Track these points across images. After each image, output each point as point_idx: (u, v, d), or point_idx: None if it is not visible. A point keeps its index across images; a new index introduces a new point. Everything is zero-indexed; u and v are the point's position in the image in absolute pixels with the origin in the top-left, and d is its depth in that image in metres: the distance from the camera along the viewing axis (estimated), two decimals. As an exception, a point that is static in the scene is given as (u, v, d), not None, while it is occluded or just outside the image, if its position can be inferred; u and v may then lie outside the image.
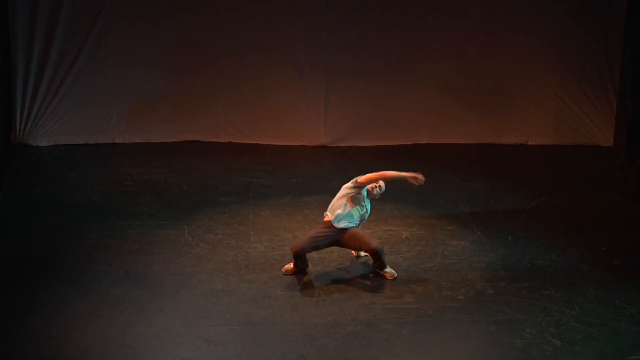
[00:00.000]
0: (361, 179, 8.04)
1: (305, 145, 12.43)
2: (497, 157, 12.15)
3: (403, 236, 9.23)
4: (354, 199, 8.10)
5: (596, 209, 10.17)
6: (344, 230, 8.09)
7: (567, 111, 12.50)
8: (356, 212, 8.11)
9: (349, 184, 8.13)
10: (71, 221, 9.44)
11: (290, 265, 8.20)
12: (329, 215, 8.15)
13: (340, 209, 8.08)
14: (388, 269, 8.19)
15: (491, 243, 9.06)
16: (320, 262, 8.48)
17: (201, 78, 12.24)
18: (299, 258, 8.05)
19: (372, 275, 8.28)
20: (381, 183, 8.18)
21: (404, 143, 12.53)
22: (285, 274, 8.17)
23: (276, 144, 12.41)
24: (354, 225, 8.13)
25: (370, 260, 8.34)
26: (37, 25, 11.65)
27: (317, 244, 8.11)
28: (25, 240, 8.93)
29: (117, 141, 12.29)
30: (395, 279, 8.12)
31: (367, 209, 8.22)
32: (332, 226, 8.09)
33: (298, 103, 12.37)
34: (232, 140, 12.47)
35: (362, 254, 8.49)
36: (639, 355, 6.94)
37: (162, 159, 11.63)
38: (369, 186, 8.13)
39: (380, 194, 8.27)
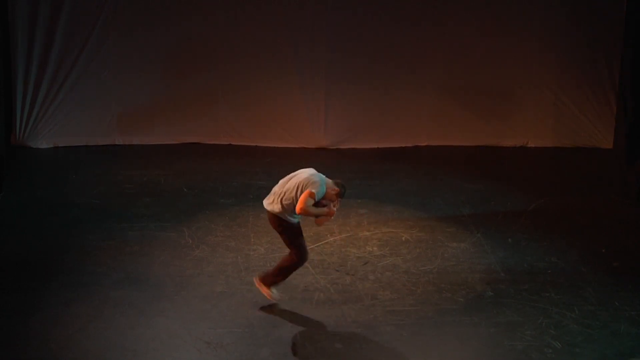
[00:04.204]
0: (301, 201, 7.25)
1: (306, 147, 12.45)
2: (497, 159, 12.16)
3: (403, 238, 9.24)
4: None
5: (596, 210, 10.17)
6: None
7: (566, 113, 12.51)
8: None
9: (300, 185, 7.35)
10: (71, 223, 9.44)
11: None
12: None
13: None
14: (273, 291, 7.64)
15: (491, 245, 9.07)
16: (320, 264, 8.48)
17: (201, 80, 12.25)
18: None
19: (372, 277, 8.28)
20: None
21: (404, 145, 12.55)
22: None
23: (276, 146, 12.41)
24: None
25: (371, 261, 8.33)
26: (37, 28, 11.65)
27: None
28: (25, 242, 8.92)
29: (117, 143, 12.30)
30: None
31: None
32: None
33: (298, 105, 12.37)
34: (232, 143, 12.47)
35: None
36: (639, 358, 6.94)
37: (162, 161, 11.64)
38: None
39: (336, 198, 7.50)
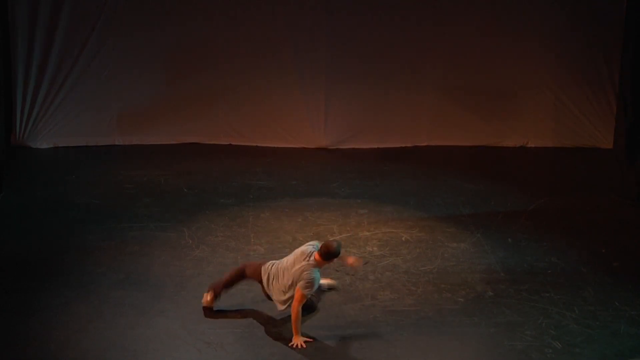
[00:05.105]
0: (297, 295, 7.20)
1: (306, 147, 12.44)
2: (497, 159, 12.16)
3: (403, 238, 9.24)
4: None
5: (596, 210, 10.17)
6: None
7: (566, 113, 12.51)
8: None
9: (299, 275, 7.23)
10: (71, 223, 9.44)
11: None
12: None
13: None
14: None
15: (491, 245, 9.06)
16: (320, 264, 8.47)
17: (201, 80, 12.23)
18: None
19: (372, 277, 8.28)
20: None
21: (404, 145, 12.54)
22: None
23: (276, 146, 12.40)
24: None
25: (371, 261, 8.33)
26: (37, 28, 11.64)
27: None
28: (25, 242, 8.92)
29: (117, 143, 12.29)
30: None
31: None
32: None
33: (298, 105, 12.36)
34: (232, 143, 12.46)
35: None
36: (638, 358, 6.94)
37: (162, 161, 11.63)
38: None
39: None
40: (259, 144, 12.45)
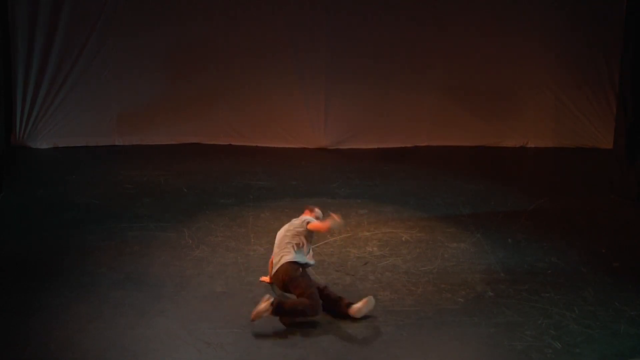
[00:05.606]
0: (311, 225, 7.66)
1: (306, 147, 12.45)
2: (497, 159, 12.16)
3: (403, 238, 9.23)
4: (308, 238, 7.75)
5: (596, 211, 10.17)
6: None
7: (566, 113, 12.52)
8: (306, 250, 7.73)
9: (299, 226, 7.69)
10: (71, 223, 9.43)
11: None
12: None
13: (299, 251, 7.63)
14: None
15: (491, 245, 9.06)
16: (320, 264, 8.47)
17: (201, 80, 12.25)
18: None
19: (372, 277, 8.28)
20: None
21: (404, 145, 12.55)
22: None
23: (276, 146, 12.42)
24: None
25: (371, 261, 8.33)
26: (37, 28, 11.66)
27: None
28: (25, 242, 8.92)
29: (116, 143, 12.30)
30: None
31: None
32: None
33: (298, 106, 12.38)
34: (232, 143, 12.47)
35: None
36: (638, 358, 6.94)
37: (162, 161, 11.63)
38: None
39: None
40: (259, 144, 12.46)
